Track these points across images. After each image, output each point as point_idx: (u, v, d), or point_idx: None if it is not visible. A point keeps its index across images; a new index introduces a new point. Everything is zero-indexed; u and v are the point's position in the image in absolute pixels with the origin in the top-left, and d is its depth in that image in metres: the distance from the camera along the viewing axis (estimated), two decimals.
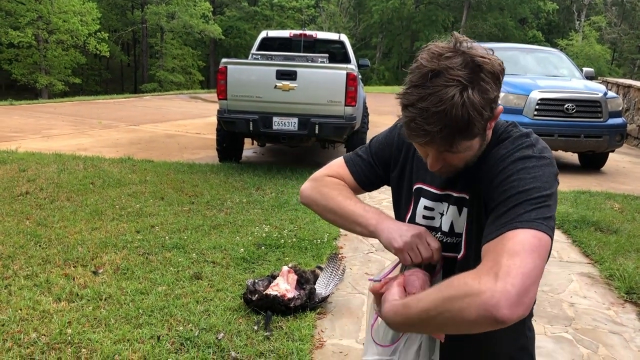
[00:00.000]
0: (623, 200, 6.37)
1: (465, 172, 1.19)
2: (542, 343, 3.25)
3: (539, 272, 0.97)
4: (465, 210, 1.21)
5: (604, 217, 5.57)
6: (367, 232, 1.24)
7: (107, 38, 30.73)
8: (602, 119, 7.70)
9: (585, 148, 7.88)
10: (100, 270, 3.81)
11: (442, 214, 1.24)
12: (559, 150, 8.02)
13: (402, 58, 43.81)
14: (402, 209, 1.33)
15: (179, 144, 9.00)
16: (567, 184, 6.96)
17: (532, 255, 0.97)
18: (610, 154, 8.58)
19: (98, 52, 30.18)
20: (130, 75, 43.64)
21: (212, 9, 36.64)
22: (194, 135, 10.08)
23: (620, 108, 8.24)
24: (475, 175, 1.18)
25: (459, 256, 1.22)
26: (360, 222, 1.24)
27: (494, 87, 1.06)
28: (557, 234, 5.25)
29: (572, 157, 8.82)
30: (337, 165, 1.42)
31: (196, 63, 39.05)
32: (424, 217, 1.27)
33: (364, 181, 1.39)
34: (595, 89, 8.05)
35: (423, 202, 1.27)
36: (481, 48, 1.09)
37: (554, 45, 40.71)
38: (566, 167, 8.38)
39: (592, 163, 8.32)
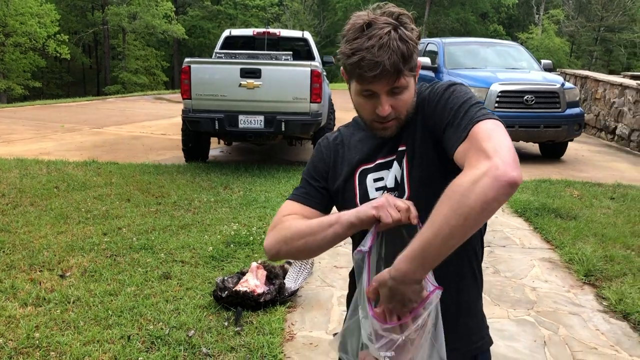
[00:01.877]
0: (582, 187, 6.58)
1: (399, 132, 1.30)
2: (506, 326, 3.36)
3: (512, 144, 1.09)
4: (395, 163, 1.31)
5: (564, 204, 5.75)
6: (341, 224, 1.21)
7: (67, 40, 30.08)
8: (560, 110, 7.92)
9: (545, 138, 8.10)
10: (68, 274, 3.78)
11: (386, 178, 1.32)
12: (520, 141, 8.22)
13: None
14: (351, 206, 1.29)
15: (144, 145, 8.91)
16: (528, 173, 7.14)
17: (502, 132, 1.10)
18: (570, 143, 8.82)
19: (58, 55, 29.51)
20: (93, 77, 42.82)
21: (174, 9, 36.15)
22: (160, 136, 9.99)
23: (578, 98, 8.49)
24: (405, 128, 1.29)
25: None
26: (331, 221, 1.24)
27: (415, 33, 1.22)
28: (519, 221, 5.41)
29: (534, 147, 9.05)
30: (287, 207, 1.41)
31: (160, 64, 38.52)
32: (376, 189, 1.32)
33: (319, 205, 1.40)
34: (553, 81, 8.28)
35: (371, 177, 1.34)
36: (393, 6, 1.24)
37: (514, 38, 41.48)
38: (527, 157, 8.59)
39: (553, 152, 8.55)
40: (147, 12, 33.55)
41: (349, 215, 1.20)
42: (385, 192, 1.29)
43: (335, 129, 1.49)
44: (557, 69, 14.57)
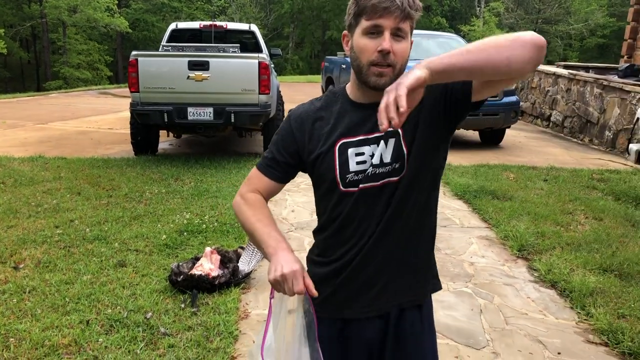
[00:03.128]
0: (517, 170, 6.99)
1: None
2: (445, 298, 3.63)
3: None
4: (392, 140, 1.43)
5: (500, 186, 6.12)
6: (265, 253, 1.44)
7: (2, 34, 28.94)
8: (497, 98, 8.33)
9: (484, 125, 8.50)
10: (21, 266, 3.81)
11: (372, 154, 1.44)
12: (461, 129, 8.59)
13: (314, 47, 44.26)
14: (326, 174, 1.47)
15: (91, 140, 8.82)
16: (468, 159, 7.51)
17: None
18: (508, 130, 9.29)
19: None
20: (32, 73, 41.30)
21: (117, 2, 35.28)
22: (107, 130, 9.89)
23: (514, 87, 8.93)
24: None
25: (400, 175, 1.43)
26: (262, 247, 1.45)
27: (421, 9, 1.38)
28: (459, 203, 5.73)
29: (474, 135, 9.47)
30: (254, 176, 1.58)
31: (103, 58, 37.53)
32: (357, 162, 1.45)
33: (281, 177, 1.56)
34: None
35: (352, 150, 1.46)
36: None
37: (457, 30, 42.52)
38: (468, 144, 9.00)
39: (492, 139, 8.98)
40: (88, 5, 32.59)
41: (271, 259, 1.39)
42: (371, 167, 1.43)
43: (307, 100, 1.58)
44: None
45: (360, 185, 1.45)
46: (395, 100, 1.20)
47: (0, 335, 2.92)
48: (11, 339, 2.88)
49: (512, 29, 43.81)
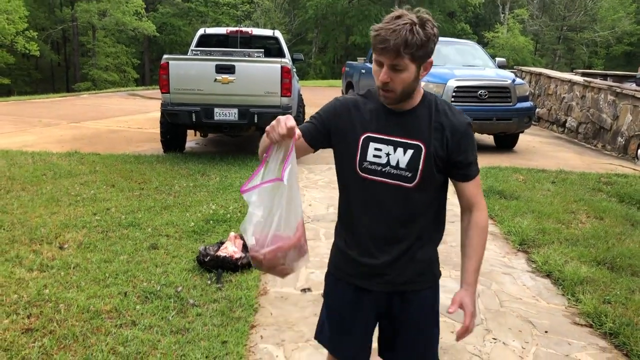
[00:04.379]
0: (527, 173, 7.27)
1: (408, 124, 1.77)
2: (447, 283, 3.96)
3: None
4: (411, 152, 1.75)
5: (509, 187, 6.42)
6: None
7: (35, 37, 29.95)
8: (511, 103, 8.63)
9: (498, 130, 8.79)
10: (65, 246, 4.25)
11: (388, 154, 1.79)
12: (475, 133, 8.89)
13: (337, 52, 44.68)
14: (350, 155, 1.83)
15: (123, 138, 9.33)
16: (482, 161, 7.74)
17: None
18: (523, 135, 9.57)
19: (27, 52, 29.42)
20: (62, 75, 42.47)
21: (145, 6, 36.18)
22: (136, 130, 10.39)
23: (527, 93, 9.20)
24: (423, 129, 1.76)
25: (411, 184, 1.77)
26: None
27: (432, 37, 1.64)
28: None
29: (489, 139, 9.75)
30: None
31: (130, 61, 38.50)
32: (374, 155, 1.80)
33: (312, 141, 1.89)
34: (505, 77, 8.97)
35: (373, 145, 1.81)
36: (426, 12, 1.67)
37: (481, 37, 42.58)
38: (482, 148, 9.28)
39: (505, 143, 9.26)
40: (118, 9, 33.54)
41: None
42: (388, 167, 1.78)
43: (350, 94, 1.94)
44: (515, 67, 15.38)
45: (375, 177, 1.79)
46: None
47: (52, 301, 3.35)
48: (61, 305, 3.31)
49: (536, 35, 43.72)
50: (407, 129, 1.77)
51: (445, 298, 3.77)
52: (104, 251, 4.19)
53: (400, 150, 1.76)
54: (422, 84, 1.83)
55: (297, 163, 1.75)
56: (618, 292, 3.80)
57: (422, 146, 1.74)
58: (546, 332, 3.39)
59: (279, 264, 1.75)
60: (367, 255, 1.87)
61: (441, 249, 2.00)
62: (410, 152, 1.75)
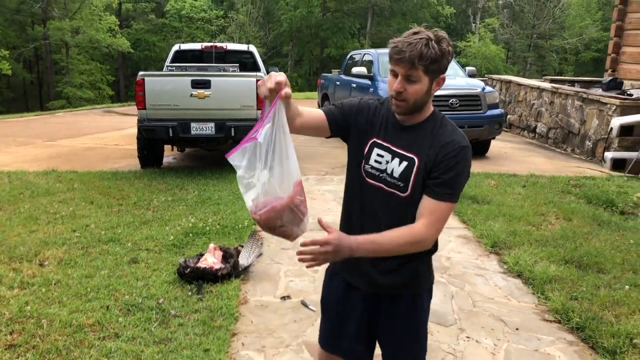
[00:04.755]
0: (499, 178, 7.48)
1: (410, 137, 1.85)
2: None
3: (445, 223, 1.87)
4: (405, 164, 1.83)
5: (481, 192, 6.60)
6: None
7: (7, 56, 29.64)
8: (482, 111, 8.85)
9: (470, 137, 8.81)
10: (46, 263, 4.29)
11: (387, 162, 1.90)
12: None
13: (313, 65, 44.95)
14: (358, 155, 1.94)
15: (100, 155, 9.33)
16: None
17: (447, 217, 1.85)
18: (495, 141, 9.80)
19: None
20: (35, 93, 41.98)
21: (118, 23, 36.09)
22: (113, 146, 10.39)
23: (497, 100, 9.45)
24: (422, 143, 1.83)
25: (404, 194, 1.83)
26: None
27: (446, 54, 1.74)
28: None
29: None
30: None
31: (105, 78, 38.22)
32: (376, 160, 1.91)
33: (331, 123, 1.92)
34: (475, 85, 9.21)
35: (376, 151, 1.92)
36: (441, 32, 1.77)
37: (454, 47, 43.09)
38: None
39: (478, 150, 9.46)
40: (91, 26, 33.39)
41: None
42: (385, 174, 1.87)
43: (369, 99, 2.01)
44: (486, 75, 15.72)
45: (374, 182, 1.90)
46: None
47: (34, 317, 3.39)
48: (43, 320, 3.35)
49: (507, 43, 44.56)
50: (407, 141, 1.86)
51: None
52: (84, 267, 4.23)
53: (397, 160, 1.85)
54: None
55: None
56: (584, 289, 3.96)
57: (416, 159, 1.83)
58: (517, 329, 3.53)
59: (277, 225, 1.72)
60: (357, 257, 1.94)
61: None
62: (405, 163, 1.84)
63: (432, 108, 1.90)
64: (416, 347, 2.06)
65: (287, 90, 1.67)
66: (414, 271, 1.97)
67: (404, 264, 1.93)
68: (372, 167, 1.90)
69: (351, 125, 1.95)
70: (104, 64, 38.66)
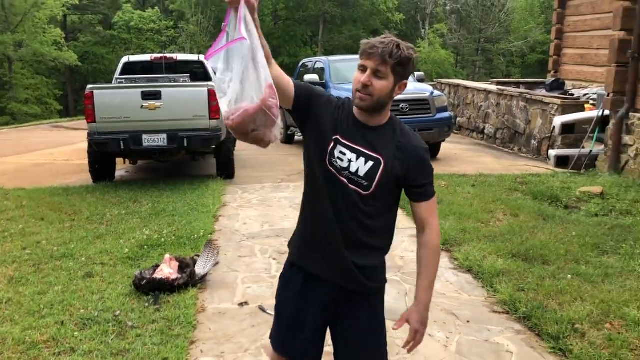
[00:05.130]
0: (449, 178, 7.70)
1: (374, 138, 1.94)
2: None
3: None
4: (371, 163, 1.91)
5: None
6: None
7: None
8: (431, 114, 9.10)
9: None
10: None
11: (350, 160, 1.96)
12: None
13: None
14: (322, 149, 1.97)
15: (49, 172, 9.12)
16: None
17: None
18: (446, 144, 10.07)
19: None
20: None
21: (64, 35, 35.28)
22: (63, 162, 10.18)
23: (446, 104, 9.73)
24: (386, 145, 1.93)
25: (365, 192, 1.92)
26: None
27: (412, 60, 1.88)
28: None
29: None
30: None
31: (52, 92, 37.19)
32: (338, 158, 1.97)
33: (299, 95, 1.94)
34: (423, 90, 9.47)
35: (339, 148, 1.98)
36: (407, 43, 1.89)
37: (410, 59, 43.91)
38: None
39: (429, 152, 9.70)
40: (35, 39, 32.46)
41: None
42: (348, 172, 1.94)
43: (336, 97, 2.08)
44: (435, 80, 16.12)
45: (337, 174, 1.94)
46: None
47: None
48: None
49: (456, 48, 45.67)
50: (371, 142, 1.94)
51: None
52: (37, 284, 4.16)
53: (362, 159, 1.93)
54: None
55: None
56: (530, 280, 4.15)
57: (381, 160, 1.92)
58: (468, 321, 3.68)
59: (250, 130, 1.71)
60: (318, 243, 2.02)
61: None
62: (370, 163, 1.92)
63: (389, 113, 2.01)
64: (376, 350, 2.12)
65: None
66: (374, 267, 2.07)
67: (364, 259, 2.01)
68: (336, 162, 1.95)
69: (311, 111, 1.98)
70: (51, 78, 37.61)
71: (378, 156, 1.93)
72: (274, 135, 1.75)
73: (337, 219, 1.96)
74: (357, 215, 1.95)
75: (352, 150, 1.94)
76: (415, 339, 2.03)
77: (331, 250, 1.99)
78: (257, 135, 1.72)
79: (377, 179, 1.93)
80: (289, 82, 1.94)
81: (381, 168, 1.92)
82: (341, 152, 1.95)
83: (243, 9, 1.66)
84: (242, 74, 1.67)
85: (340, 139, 1.96)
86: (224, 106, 1.71)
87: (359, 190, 1.94)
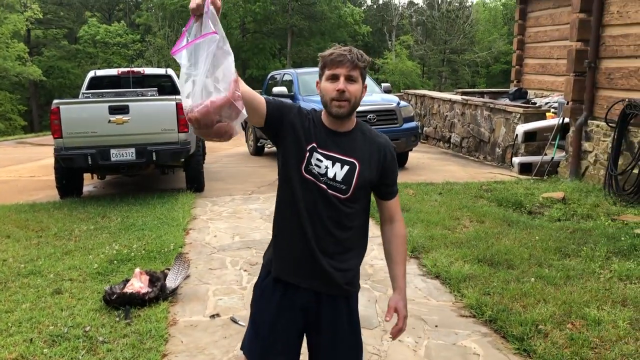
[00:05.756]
0: (417, 187, 7.84)
1: (346, 144, 2.03)
2: None
3: None
4: (347, 168, 2.00)
5: (400, 201, 6.85)
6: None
7: None
8: (398, 125, 9.26)
9: None
10: None
11: (327, 167, 2.02)
12: None
13: None
14: (298, 157, 2.01)
15: (14, 188, 8.97)
16: None
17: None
18: (413, 153, 10.25)
19: None
20: None
21: (28, 50, 34.70)
22: (29, 178, 10.02)
23: (412, 114, 9.91)
24: (359, 148, 2.03)
25: (344, 196, 2.00)
26: None
27: (368, 64, 2.01)
28: None
29: None
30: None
31: (16, 107, 36.48)
32: (315, 165, 2.03)
33: (271, 114, 1.99)
34: (390, 100, 9.63)
35: (316, 155, 2.04)
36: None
37: (372, 64, 44.46)
38: None
39: (397, 162, 9.86)
40: None
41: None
42: (326, 178, 2.01)
43: (306, 108, 2.14)
44: (402, 90, 16.38)
45: (315, 180, 2.00)
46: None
47: None
48: None
49: (422, 59, 46.40)
50: (344, 147, 2.03)
51: None
52: (4, 302, 4.11)
53: (338, 165, 2.01)
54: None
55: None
56: (496, 284, 4.27)
57: (356, 164, 2.01)
58: (436, 326, 3.77)
59: (214, 121, 1.72)
60: (298, 252, 2.04)
61: None
62: (346, 167, 2.01)
63: (355, 118, 2.10)
64: (354, 350, 2.17)
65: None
66: (354, 269, 2.14)
67: (344, 262, 2.07)
68: (314, 169, 2.01)
69: (284, 124, 2.02)
70: (14, 93, 36.88)
71: (353, 160, 2.02)
72: (238, 127, 1.78)
73: (316, 225, 2.01)
74: (338, 219, 2.03)
75: (327, 157, 2.02)
76: (404, 324, 2.14)
77: (311, 257, 2.04)
78: (221, 127, 1.73)
79: (354, 182, 2.01)
80: (260, 100, 1.98)
81: (357, 171, 2.02)
82: (318, 160, 2.02)
83: (210, 7, 1.69)
84: (208, 69, 1.69)
85: (316, 146, 2.03)
86: (186, 101, 1.73)
87: (338, 194, 2.02)
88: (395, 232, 2.15)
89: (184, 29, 1.77)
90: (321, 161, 2.02)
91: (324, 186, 2.01)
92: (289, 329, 2.10)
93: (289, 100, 2.05)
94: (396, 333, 2.13)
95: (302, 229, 2.02)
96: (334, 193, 2.01)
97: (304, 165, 2.01)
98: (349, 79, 1.96)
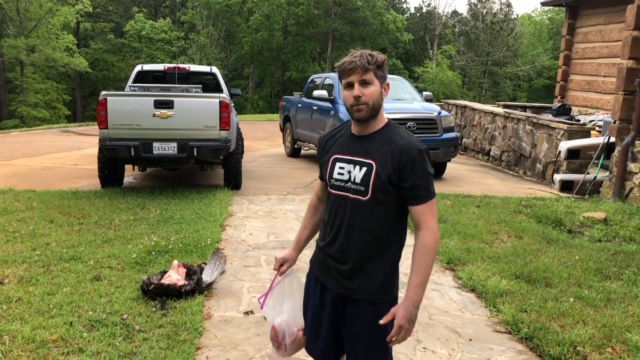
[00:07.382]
0: (454, 198, 7.76)
1: (366, 145, 2.10)
2: None
3: None
4: (365, 169, 2.06)
5: (437, 211, 6.83)
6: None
7: None
8: (438, 134, 9.19)
9: None
10: (6, 281, 4.25)
11: (350, 172, 2.11)
12: None
13: (274, 87, 45.24)
14: (325, 171, 2.21)
15: (58, 175, 9.22)
16: None
17: (435, 209, 2.17)
18: (451, 164, 10.14)
19: None
20: None
21: (76, 42, 35.65)
22: (72, 166, 10.28)
23: (452, 124, 9.82)
24: (378, 149, 2.07)
25: (365, 198, 2.07)
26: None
27: (385, 63, 2.08)
28: None
29: None
30: (316, 184, 2.41)
31: (61, 97, 37.53)
32: (338, 173, 2.15)
33: (322, 176, 2.29)
34: (431, 109, 9.56)
35: (338, 164, 2.16)
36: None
37: (411, 72, 44.29)
38: None
39: (434, 172, 9.76)
40: (48, 45, 32.85)
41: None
42: (349, 183, 2.11)
43: (338, 126, 2.29)
44: (442, 100, 16.23)
45: (339, 192, 2.14)
46: None
47: None
48: (5, 337, 3.35)
49: (463, 69, 45.93)
50: (365, 149, 2.09)
51: None
52: (46, 284, 4.22)
53: (357, 167, 2.08)
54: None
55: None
56: (533, 302, 4.19)
57: (373, 164, 2.05)
58: (470, 340, 3.71)
59: (286, 344, 2.42)
60: (330, 257, 2.20)
61: None
62: (364, 169, 2.06)
63: (386, 118, 2.14)
64: (372, 355, 2.17)
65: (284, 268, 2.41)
66: (382, 273, 2.17)
67: (369, 266, 2.14)
68: (337, 180, 2.13)
69: (322, 164, 2.27)
70: (61, 83, 37.97)
71: (370, 161, 2.07)
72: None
73: (340, 230, 2.14)
74: (362, 223, 2.08)
75: (349, 161, 2.12)
76: (399, 335, 2.04)
77: (332, 259, 2.19)
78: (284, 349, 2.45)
79: (371, 183, 2.05)
80: (322, 185, 2.32)
81: (373, 172, 2.05)
82: (340, 167, 2.13)
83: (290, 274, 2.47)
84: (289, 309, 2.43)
85: (337, 155, 2.16)
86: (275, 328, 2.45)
87: (359, 197, 2.08)
88: (419, 239, 2.09)
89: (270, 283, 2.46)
90: (343, 168, 2.12)
91: (347, 193, 2.11)
92: (325, 320, 2.24)
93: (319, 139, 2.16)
94: (391, 343, 2.07)
95: (326, 232, 2.21)
96: (357, 197, 2.08)
97: (328, 181, 2.19)
98: (363, 83, 2.03)
